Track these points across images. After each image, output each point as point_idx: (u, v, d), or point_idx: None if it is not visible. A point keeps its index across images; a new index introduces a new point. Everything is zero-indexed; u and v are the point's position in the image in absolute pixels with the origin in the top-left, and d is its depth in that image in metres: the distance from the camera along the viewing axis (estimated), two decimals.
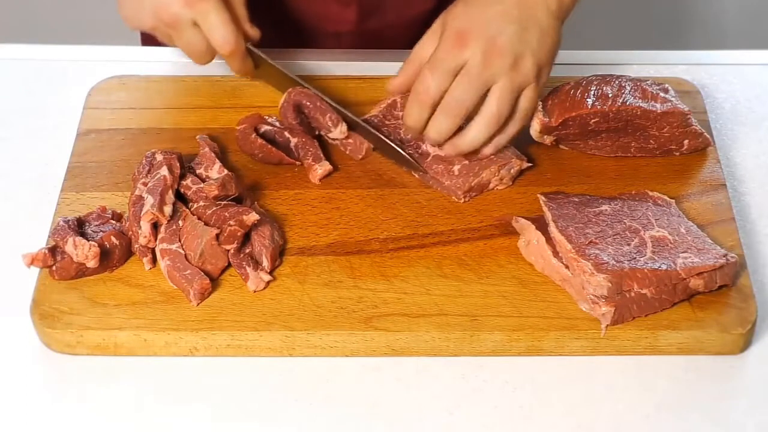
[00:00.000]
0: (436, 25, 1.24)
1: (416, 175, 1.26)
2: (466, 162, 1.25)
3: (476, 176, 1.24)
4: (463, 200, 1.24)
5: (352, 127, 1.29)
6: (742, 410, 1.10)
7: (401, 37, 1.53)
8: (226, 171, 1.22)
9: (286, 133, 1.28)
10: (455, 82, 1.20)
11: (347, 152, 1.29)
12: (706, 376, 1.13)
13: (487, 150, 1.25)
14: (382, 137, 1.27)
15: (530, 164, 1.27)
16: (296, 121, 1.28)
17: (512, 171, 1.26)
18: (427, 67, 1.21)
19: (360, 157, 1.28)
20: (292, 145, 1.27)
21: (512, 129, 1.24)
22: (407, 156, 1.25)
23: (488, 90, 1.21)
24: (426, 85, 1.21)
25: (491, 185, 1.25)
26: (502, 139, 1.25)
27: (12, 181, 1.29)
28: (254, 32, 1.32)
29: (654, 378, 1.12)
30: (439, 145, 1.25)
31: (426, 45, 1.25)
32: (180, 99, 1.37)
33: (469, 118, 1.23)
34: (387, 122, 1.30)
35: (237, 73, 1.33)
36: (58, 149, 1.30)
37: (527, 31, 1.21)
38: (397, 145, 1.26)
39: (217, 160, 1.23)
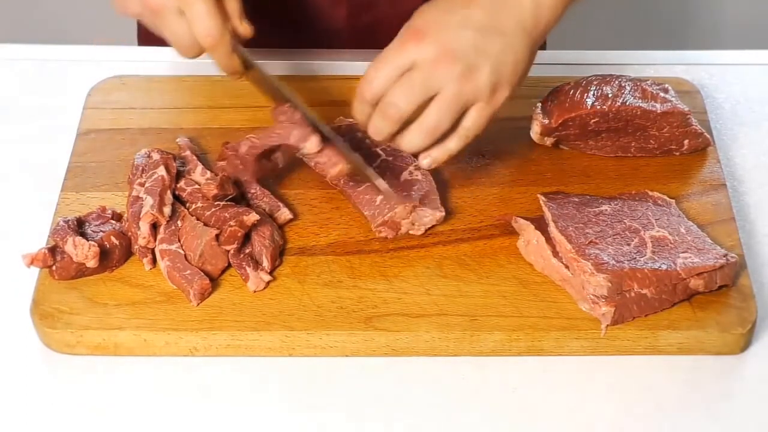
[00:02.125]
0: (403, 27, 1.17)
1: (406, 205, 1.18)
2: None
3: (390, 210, 1.19)
4: (381, 234, 1.19)
5: (327, 140, 1.19)
6: (742, 410, 1.10)
7: (394, 33, 1.52)
8: (209, 173, 1.22)
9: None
10: (396, 85, 1.13)
11: (318, 171, 1.22)
12: (706, 376, 1.12)
13: (424, 162, 1.17)
14: (361, 163, 1.18)
15: (443, 214, 1.20)
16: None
17: (425, 220, 1.20)
18: (373, 62, 1.15)
19: (330, 176, 1.20)
20: (248, 196, 1.22)
21: (452, 145, 1.16)
22: (386, 187, 1.16)
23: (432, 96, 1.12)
24: (369, 80, 1.15)
25: (403, 228, 1.20)
26: (440, 154, 1.16)
27: (12, 181, 1.29)
28: (245, 29, 1.21)
29: (654, 378, 1.12)
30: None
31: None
32: (180, 99, 1.37)
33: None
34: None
35: (223, 71, 1.23)
36: (58, 149, 1.30)
37: (488, 41, 1.11)
38: (375, 172, 1.18)
39: (200, 163, 1.23)
